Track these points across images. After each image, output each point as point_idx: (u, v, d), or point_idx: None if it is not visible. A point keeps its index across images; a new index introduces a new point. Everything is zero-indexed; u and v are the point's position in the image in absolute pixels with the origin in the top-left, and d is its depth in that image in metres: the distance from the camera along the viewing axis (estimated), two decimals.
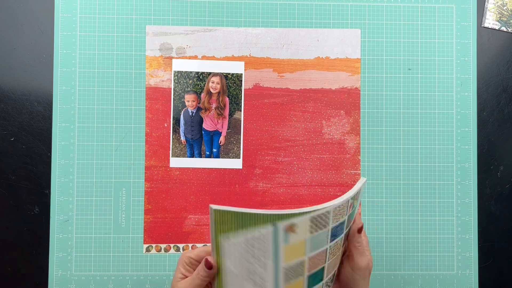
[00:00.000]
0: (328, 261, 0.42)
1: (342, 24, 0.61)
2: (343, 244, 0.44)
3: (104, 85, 0.59)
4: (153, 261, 0.59)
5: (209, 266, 0.40)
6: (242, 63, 0.60)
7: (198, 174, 0.60)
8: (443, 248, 0.60)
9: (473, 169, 0.61)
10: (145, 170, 0.59)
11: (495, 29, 0.62)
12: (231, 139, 0.60)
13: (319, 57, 0.60)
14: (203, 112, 0.60)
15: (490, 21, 0.61)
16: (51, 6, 0.59)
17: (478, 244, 0.60)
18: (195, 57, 0.60)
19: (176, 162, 0.60)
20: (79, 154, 0.59)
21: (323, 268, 0.42)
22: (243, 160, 0.60)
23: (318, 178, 0.60)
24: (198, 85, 0.60)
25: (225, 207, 0.37)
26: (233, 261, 0.39)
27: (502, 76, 0.62)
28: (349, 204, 0.41)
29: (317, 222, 0.38)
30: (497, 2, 0.62)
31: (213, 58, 0.60)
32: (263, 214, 0.36)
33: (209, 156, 0.60)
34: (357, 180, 0.60)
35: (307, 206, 0.60)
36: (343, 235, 0.42)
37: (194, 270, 0.43)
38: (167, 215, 0.59)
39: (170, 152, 0.60)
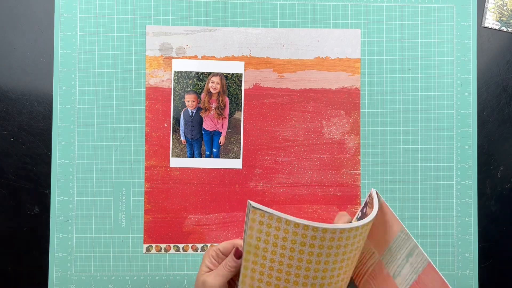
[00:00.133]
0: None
1: (342, 24, 0.61)
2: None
3: (104, 85, 0.59)
4: (153, 261, 0.59)
5: (239, 255, 0.42)
6: (242, 63, 0.60)
7: (198, 174, 0.60)
8: (443, 248, 0.60)
9: (473, 169, 0.61)
10: (145, 170, 0.59)
11: (495, 29, 0.62)
12: (231, 139, 0.60)
13: (319, 57, 0.60)
14: (203, 112, 0.60)
15: (490, 21, 0.61)
16: (51, 6, 0.59)
17: (478, 244, 0.60)
18: (195, 57, 0.60)
19: (176, 162, 0.60)
20: (79, 154, 0.59)
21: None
22: (243, 160, 0.60)
23: (318, 178, 0.60)
24: (198, 85, 0.60)
25: (269, 209, 0.38)
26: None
27: (502, 76, 0.62)
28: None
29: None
30: (497, 2, 0.62)
31: (213, 58, 0.60)
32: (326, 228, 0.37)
33: (209, 156, 0.60)
34: (358, 180, 0.60)
35: (307, 206, 0.60)
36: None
37: (220, 263, 0.44)
38: (167, 215, 0.59)
39: (170, 152, 0.60)
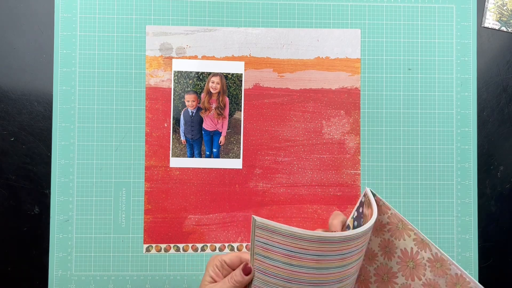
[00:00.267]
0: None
1: (342, 24, 0.61)
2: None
3: (104, 85, 0.59)
4: (153, 261, 0.59)
5: (248, 271, 0.40)
6: (242, 63, 0.60)
7: (198, 174, 0.60)
8: (443, 248, 0.60)
9: (473, 169, 0.61)
10: (145, 170, 0.59)
11: (495, 29, 0.62)
12: (231, 139, 0.60)
13: (319, 57, 0.61)
14: (203, 112, 0.60)
15: (490, 21, 0.61)
16: (51, 6, 0.59)
17: (478, 244, 0.60)
18: (195, 57, 0.60)
19: (176, 162, 0.60)
20: (79, 154, 0.59)
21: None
22: (243, 160, 0.60)
23: (318, 178, 0.60)
24: (198, 85, 0.60)
25: (269, 221, 0.37)
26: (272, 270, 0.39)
27: (502, 76, 0.62)
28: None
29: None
30: (497, 2, 0.62)
31: (213, 58, 0.60)
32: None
33: (209, 156, 0.60)
34: (358, 180, 0.60)
35: (307, 206, 0.60)
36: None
37: (224, 275, 0.43)
38: (167, 215, 0.59)
39: (170, 152, 0.60)
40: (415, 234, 0.43)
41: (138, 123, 0.59)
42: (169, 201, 0.59)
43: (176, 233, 0.59)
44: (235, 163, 0.60)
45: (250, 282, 0.40)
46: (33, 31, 0.59)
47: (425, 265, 0.44)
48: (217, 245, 0.60)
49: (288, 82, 0.60)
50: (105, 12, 0.59)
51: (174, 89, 0.60)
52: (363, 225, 0.40)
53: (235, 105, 0.60)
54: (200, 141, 0.60)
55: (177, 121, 0.60)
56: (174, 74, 0.60)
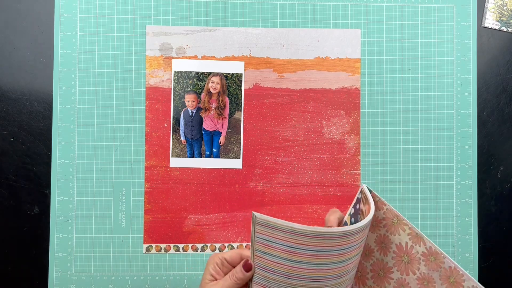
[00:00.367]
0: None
1: (342, 24, 0.61)
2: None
3: (104, 85, 0.59)
4: (153, 261, 0.59)
5: (248, 268, 0.40)
6: (242, 63, 0.60)
7: (198, 174, 0.60)
8: (443, 248, 0.60)
9: (473, 169, 0.61)
10: (145, 170, 0.59)
11: (495, 29, 0.62)
12: (231, 139, 0.60)
13: (319, 57, 0.61)
14: (203, 112, 0.60)
15: (490, 21, 0.61)
16: (51, 6, 0.59)
17: (478, 244, 0.60)
18: (195, 57, 0.60)
19: (176, 162, 0.60)
20: (79, 154, 0.59)
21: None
22: (243, 160, 0.60)
23: (318, 178, 0.60)
24: (198, 85, 0.60)
25: (271, 218, 0.37)
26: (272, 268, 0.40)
27: (502, 76, 0.62)
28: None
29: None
30: (497, 2, 0.62)
31: (213, 58, 0.60)
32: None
33: (209, 156, 0.60)
34: (357, 180, 0.60)
35: (307, 206, 0.60)
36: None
37: (224, 272, 0.43)
38: (167, 215, 0.59)
39: (170, 152, 0.60)
40: (409, 228, 0.44)
41: (138, 123, 0.59)
42: (169, 201, 0.59)
43: (176, 233, 0.59)
44: (235, 163, 0.60)
45: (251, 279, 0.41)
46: (33, 31, 0.59)
47: (419, 259, 0.44)
48: (217, 245, 0.60)
49: (288, 82, 0.60)
50: (105, 12, 0.59)
51: (174, 89, 0.60)
52: (360, 221, 0.40)
53: (235, 105, 0.60)
54: (200, 141, 0.60)
55: (177, 121, 0.60)
56: (174, 74, 0.60)
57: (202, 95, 0.60)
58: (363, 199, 0.44)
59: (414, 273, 0.44)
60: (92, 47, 0.59)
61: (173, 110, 0.60)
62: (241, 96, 0.60)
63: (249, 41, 0.60)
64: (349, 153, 0.61)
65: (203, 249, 0.60)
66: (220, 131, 0.60)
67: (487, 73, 0.61)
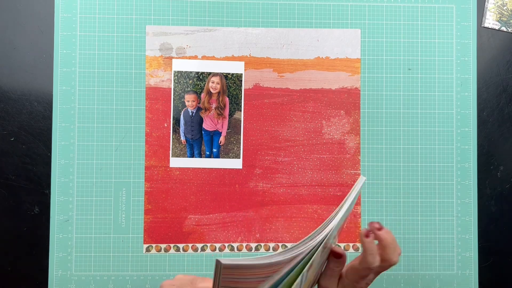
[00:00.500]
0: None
1: (342, 24, 0.61)
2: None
3: (104, 85, 0.59)
4: (153, 261, 0.59)
5: None
6: (242, 63, 0.60)
7: (198, 174, 0.60)
8: (443, 248, 0.60)
9: (473, 169, 0.61)
10: (145, 170, 0.59)
11: (495, 29, 0.62)
12: (231, 139, 0.60)
13: (319, 57, 0.61)
14: (203, 112, 0.60)
15: (490, 21, 0.61)
16: (51, 6, 0.59)
17: (478, 244, 0.60)
18: (195, 57, 0.60)
19: (176, 162, 0.60)
20: (79, 154, 0.59)
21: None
22: (243, 160, 0.60)
23: (318, 178, 0.60)
24: (198, 85, 0.60)
25: (236, 261, 0.34)
26: None
27: (502, 76, 0.62)
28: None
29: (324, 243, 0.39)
30: (497, 2, 0.62)
31: (213, 58, 0.60)
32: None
33: (209, 156, 0.60)
34: (357, 180, 0.60)
35: (307, 206, 0.60)
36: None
37: None
38: (167, 215, 0.59)
39: (170, 152, 0.60)
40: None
41: (138, 123, 0.59)
42: (169, 201, 0.59)
43: (176, 233, 0.59)
44: (235, 163, 0.60)
45: None
46: (33, 31, 0.59)
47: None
48: (217, 245, 0.60)
49: (288, 82, 0.60)
50: (105, 12, 0.59)
51: (174, 89, 0.60)
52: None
53: (235, 105, 0.60)
54: (200, 141, 0.60)
55: (177, 121, 0.60)
56: (174, 74, 0.60)
57: (202, 95, 0.60)
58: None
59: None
60: (92, 47, 0.59)
61: (173, 110, 0.60)
62: (241, 96, 0.60)
63: (249, 41, 0.60)
64: (349, 153, 0.61)
65: (203, 249, 0.60)
66: (220, 131, 0.60)
67: (487, 73, 0.61)
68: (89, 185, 0.59)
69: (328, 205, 0.60)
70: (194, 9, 0.60)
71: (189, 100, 0.60)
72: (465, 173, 0.61)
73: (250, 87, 0.60)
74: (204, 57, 0.60)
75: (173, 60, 0.60)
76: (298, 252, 0.36)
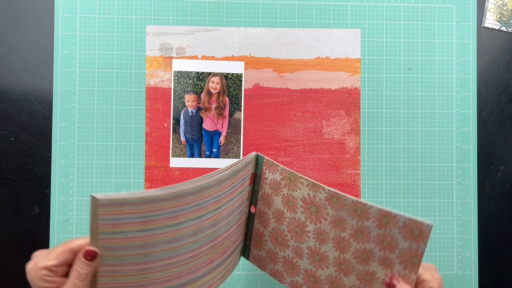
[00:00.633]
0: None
1: (342, 24, 0.61)
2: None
3: (104, 85, 0.59)
4: None
5: (93, 255, 0.34)
6: (242, 63, 0.60)
7: (198, 174, 0.60)
8: (443, 248, 0.60)
9: (473, 169, 0.61)
10: (145, 170, 0.59)
11: (495, 29, 0.62)
12: (231, 139, 0.60)
13: (319, 57, 0.61)
14: (203, 112, 0.60)
15: (490, 21, 0.61)
16: (51, 6, 0.59)
17: (478, 244, 0.60)
18: (195, 57, 0.60)
19: (176, 162, 0.60)
20: (79, 154, 0.59)
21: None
22: None
23: (318, 178, 0.60)
24: (198, 85, 0.60)
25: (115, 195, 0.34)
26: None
27: (502, 76, 0.62)
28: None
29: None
30: (497, 2, 0.62)
31: (213, 58, 0.60)
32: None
33: (209, 156, 0.60)
34: (357, 180, 0.60)
35: None
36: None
37: (59, 282, 0.36)
38: None
39: (170, 152, 0.60)
40: (306, 180, 0.45)
41: (138, 123, 0.59)
42: None
43: None
44: None
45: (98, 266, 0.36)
46: (33, 31, 0.59)
47: (325, 204, 0.45)
48: None
49: (288, 82, 0.60)
50: (105, 12, 0.59)
51: (174, 89, 0.60)
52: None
53: (235, 105, 0.60)
54: (200, 141, 0.60)
55: (177, 121, 0.60)
56: (174, 74, 0.60)
57: (202, 95, 0.60)
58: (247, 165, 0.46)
59: (326, 219, 0.46)
60: (92, 47, 0.59)
61: (173, 110, 0.60)
62: (241, 96, 0.60)
63: (249, 41, 0.60)
64: (349, 153, 0.61)
65: None
66: (220, 131, 0.60)
67: (487, 73, 0.61)
68: (89, 185, 0.59)
69: None
70: (194, 9, 0.60)
71: (189, 100, 0.60)
72: (465, 173, 0.61)
73: (250, 87, 0.60)
74: (204, 57, 0.60)
75: (173, 60, 0.60)
76: (179, 189, 0.36)
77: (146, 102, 0.60)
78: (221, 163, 0.60)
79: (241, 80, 0.60)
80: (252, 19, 0.60)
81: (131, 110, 0.59)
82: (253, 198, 0.50)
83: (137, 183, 0.59)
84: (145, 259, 0.39)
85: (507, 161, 0.61)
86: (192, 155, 0.60)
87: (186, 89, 0.60)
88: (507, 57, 0.62)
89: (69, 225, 0.59)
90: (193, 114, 0.60)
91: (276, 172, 0.48)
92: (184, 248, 0.42)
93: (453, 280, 0.60)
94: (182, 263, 0.42)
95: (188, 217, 0.40)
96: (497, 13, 0.62)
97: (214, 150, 0.60)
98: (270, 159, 0.47)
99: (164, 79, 0.60)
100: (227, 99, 0.60)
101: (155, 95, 0.60)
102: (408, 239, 0.42)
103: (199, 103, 0.60)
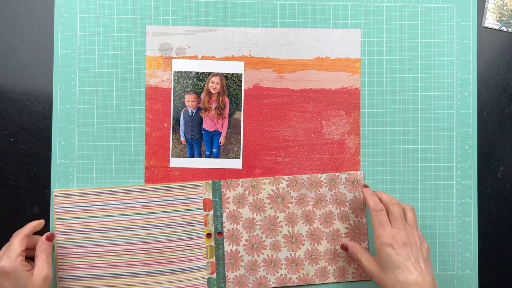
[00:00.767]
0: None
1: (342, 24, 0.61)
2: None
3: (104, 85, 0.59)
4: None
5: (52, 236, 0.52)
6: (242, 63, 0.60)
7: (198, 174, 0.60)
8: (443, 248, 0.60)
9: (473, 169, 0.61)
10: (145, 170, 0.59)
11: (495, 29, 0.62)
12: (231, 139, 0.60)
13: (319, 57, 0.60)
14: (203, 112, 0.60)
15: (490, 21, 0.61)
16: (51, 6, 0.59)
17: (478, 244, 0.60)
18: (195, 57, 0.60)
19: (176, 162, 0.60)
20: (79, 154, 0.59)
21: None
22: (243, 160, 0.60)
23: None
24: (198, 85, 0.60)
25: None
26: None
27: (502, 76, 0.62)
28: None
29: None
30: (497, 2, 0.62)
31: (213, 58, 0.60)
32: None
33: (209, 156, 0.60)
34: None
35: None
36: None
37: (29, 261, 0.51)
38: None
39: (170, 152, 0.60)
40: (267, 179, 0.57)
41: (138, 123, 0.59)
42: None
43: None
44: (235, 163, 0.60)
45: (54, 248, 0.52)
46: (33, 31, 0.59)
47: (288, 191, 0.57)
48: None
49: (288, 82, 0.60)
50: (105, 12, 0.59)
51: (174, 89, 0.60)
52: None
53: (235, 105, 0.60)
54: (200, 141, 0.60)
55: (177, 121, 0.60)
56: (174, 74, 0.60)
57: (202, 95, 0.60)
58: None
59: (292, 202, 0.57)
60: (92, 47, 0.59)
61: (173, 110, 0.60)
62: (241, 96, 0.60)
63: (249, 41, 0.60)
64: (349, 153, 0.61)
65: None
66: (220, 131, 0.60)
67: (487, 73, 0.61)
68: (89, 185, 0.59)
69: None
70: (194, 9, 0.60)
71: (189, 100, 0.60)
72: (465, 173, 0.61)
73: (250, 87, 0.60)
74: (204, 57, 0.60)
75: (173, 60, 0.60)
76: (107, 188, 0.56)
77: (146, 102, 0.60)
78: (221, 163, 0.60)
79: (241, 80, 0.60)
80: (252, 19, 0.60)
81: (131, 110, 0.59)
82: (217, 224, 0.57)
83: (137, 183, 0.59)
84: (87, 243, 0.54)
85: (507, 161, 0.61)
86: (192, 155, 0.60)
87: (186, 89, 0.60)
88: (507, 57, 0.62)
89: None
90: (193, 114, 0.60)
91: (237, 187, 0.57)
92: (117, 239, 0.54)
93: (453, 280, 0.60)
94: (117, 253, 0.54)
95: (118, 212, 0.55)
96: (497, 13, 0.62)
97: (214, 150, 0.60)
98: (228, 180, 0.56)
99: (164, 79, 0.60)
100: (227, 99, 0.60)
101: (155, 95, 0.60)
102: (352, 190, 0.58)
103: (199, 103, 0.60)
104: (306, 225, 0.57)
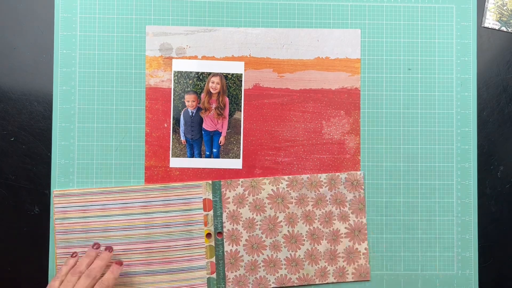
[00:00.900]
0: None
1: (342, 24, 0.61)
2: None
3: (104, 85, 0.59)
4: None
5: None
6: (242, 63, 0.60)
7: (198, 174, 0.60)
8: (443, 248, 0.60)
9: (473, 169, 0.61)
10: (145, 170, 0.59)
11: (495, 29, 0.62)
12: (231, 139, 0.60)
13: (319, 57, 0.60)
14: (203, 112, 0.60)
15: (490, 21, 0.61)
16: (51, 6, 0.59)
17: (478, 244, 0.60)
18: (195, 57, 0.60)
19: (176, 162, 0.60)
20: (79, 154, 0.59)
21: None
22: (243, 160, 0.60)
23: None
24: (198, 85, 0.60)
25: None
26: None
27: (502, 76, 0.62)
28: None
29: None
30: (497, 2, 0.62)
31: (213, 58, 0.60)
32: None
33: (209, 156, 0.60)
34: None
35: None
36: None
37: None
38: None
39: (170, 152, 0.60)
40: (267, 179, 0.57)
41: (138, 123, 0.59)
42: None
43: None
44: (235, 163, 0.60)
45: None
46: (33, 31, 0.59)
47: (288, 191, 0.57)
48: None
49: (288, 82, 0.60)
50: (105, 12, 0.59)
51: (174, 89, 0.60)
52: None
53: (235, 105, 0.60)
54: (200, 141, 0.60)
55: (177, 121, 0.60)
56: (174, 74, 0.60)
57: (202, 95, 0.60)
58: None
59: (292, 202, 0.57)
60: (92, 47, 0.59)
61: (173, 110, 0.60)
62: (241, 96, 0.60)
63: (249, 41, 0.60)
64: (349, 153, 0.61)
65: None
66: (220, 131, 0.60)
67: (487, 73, 0.61)
68: (89, 185, 0.59)
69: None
70: (194, 9, 0.60)
71: (189, 100, 0.60)
72: (465, 173, 0.61)
73: (250, 87, 0.60)
74: (204, 57, 0.60)
75: (173, 60, 0.60)
76: (107, 187, 0.56)
77: (146, 102, 0.60)
78: (221, 163, 0.60)
79: (241, 80, 0.60)
80: (252, 19, 0.60)
81: (131, 110, 0.59)
82: (217, 224, 0.57)
83: (137, 183, 0.59)
84: (86, 243, 0.54)
85: (507, 161, 0.61)
86: (192, 155, 0.60)
87: (186, 89, 0.60)
88: (507, 57, 0.62)
89: None
90: (193, 114, 0.60)
91: (237, 187, 0.57)
92: (116, 239, 0.55)
93: (453, 280, 0.60)
94: (116, 253, 0.54)
95: (117, 212, 0.55)
96: (497, 13, 0.62)
97: (214, 150, 0.60)
98: (228, 180, 0.56)
99: (164, 79, 0.60)
100: (227, 99, 0.60)
101: (155, 95, 0.60)
102: (351, 191, 0.58)
103: (199, 103, 0.60)
104: (306, 225, 0.57)
